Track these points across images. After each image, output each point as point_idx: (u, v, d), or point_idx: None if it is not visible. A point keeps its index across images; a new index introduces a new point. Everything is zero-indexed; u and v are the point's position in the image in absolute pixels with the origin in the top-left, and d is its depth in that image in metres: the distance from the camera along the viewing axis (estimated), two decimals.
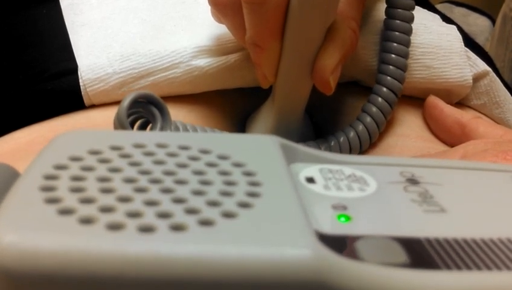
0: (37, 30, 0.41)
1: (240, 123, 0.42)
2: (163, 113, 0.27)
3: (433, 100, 0.41)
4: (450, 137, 0.40)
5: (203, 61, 0.38)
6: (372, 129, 0.39)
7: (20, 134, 0.38)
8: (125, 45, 0.39)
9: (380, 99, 0.39)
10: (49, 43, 0.40)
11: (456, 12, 1.04)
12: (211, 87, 0.40)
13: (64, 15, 0.41)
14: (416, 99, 0.43)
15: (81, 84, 0.38)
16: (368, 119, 0.39)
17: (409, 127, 0.41)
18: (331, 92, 0.35)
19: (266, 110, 0.39)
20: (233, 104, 0.43)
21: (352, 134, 0.39)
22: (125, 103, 0.26)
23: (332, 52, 0.33)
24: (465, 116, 0.39)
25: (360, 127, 0.39)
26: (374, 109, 0.39)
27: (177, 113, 0.39)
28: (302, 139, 0.39)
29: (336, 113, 0.43)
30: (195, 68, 0.38)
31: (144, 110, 0.27)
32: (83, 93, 0.38)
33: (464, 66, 0.42)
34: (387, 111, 0.39)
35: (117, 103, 0.28)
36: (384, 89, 0.39)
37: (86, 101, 0.38)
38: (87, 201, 0.15)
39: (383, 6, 0.40)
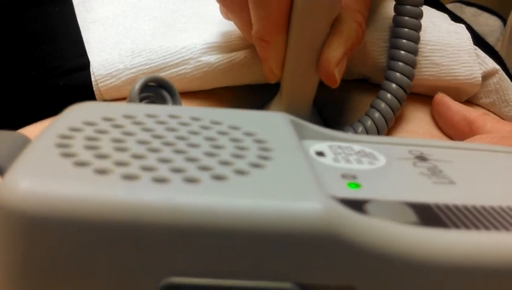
0: (50, 27, 0.42)
1: None
2: (174, 95, 0.27)
3: (441, 97, 0.41)
4: (457, 134, 0.40)
5: (213, 58, 0.39)
6: (381, 125, 0.39)
7: (32, 129, 0.38)
8: (136, 42, 0.40)
9: (389, 95, 0.39)
10: (61, 40, 0.41)
11: (467, 12, 1.03)
12: (221, 84, 0.40)
13: (76, 12, 0.42)
14: (425, 97, 0.43)
15: (93, 79, 0.38)
16: (377, 114, 0.39)
17: (418, 124, 0.41)
18: (337, 85, 0.35)
19: (275, 106, 0.39)
20: (242, 100, 0.43)
21: (360, 129, 0.39)
22: (137, 86, 0.27)
23: (337, 44, 0.33)
24: (472, 113, 0.39)
25: (369, 122, 0.39)
26: (383, 104, 0.39)
27: None
28: None
29: (344, 110, 0.44)
30: (205, 64, 0.39)
31: (154, 94, 0.27)
32: (94, 88, 0.38)
33: (473, 63, 0.42)
34: (396, 107, 0.39)
35: None
36: (393, 85, 0.39)
37: (98, 97, 0.38)
38: (102, 156, 0.16)
39: (391, 3, 0.40)
